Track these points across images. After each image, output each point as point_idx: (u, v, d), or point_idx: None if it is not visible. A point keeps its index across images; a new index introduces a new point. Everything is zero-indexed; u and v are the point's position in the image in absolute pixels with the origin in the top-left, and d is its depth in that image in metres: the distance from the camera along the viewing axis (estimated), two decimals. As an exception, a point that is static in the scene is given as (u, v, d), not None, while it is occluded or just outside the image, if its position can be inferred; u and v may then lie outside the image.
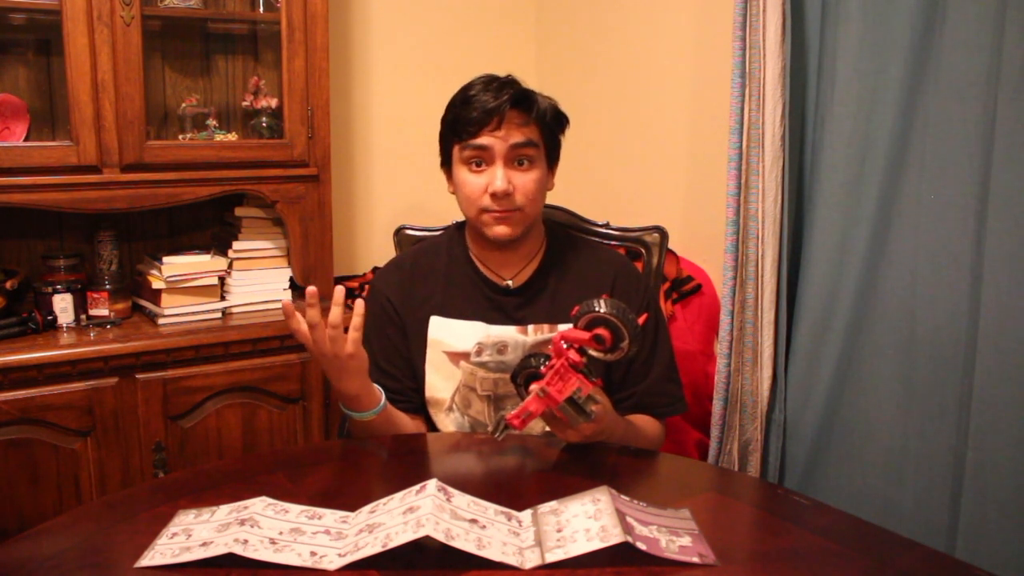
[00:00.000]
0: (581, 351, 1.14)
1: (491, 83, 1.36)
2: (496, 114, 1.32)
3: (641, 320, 1.14)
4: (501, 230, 1.36)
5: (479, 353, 1.38)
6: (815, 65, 1.73)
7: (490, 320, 1.40)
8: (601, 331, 1.12)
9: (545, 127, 1.38)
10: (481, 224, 1.38)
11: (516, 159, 1.34)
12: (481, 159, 1.34)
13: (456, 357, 1.39)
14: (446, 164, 1.43)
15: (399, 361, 1.42)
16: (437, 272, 1.45)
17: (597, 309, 1.12)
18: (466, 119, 1.34)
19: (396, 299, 1.43)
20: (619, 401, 1.38)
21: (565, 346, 1.13)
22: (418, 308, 1.42)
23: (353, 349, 1.21)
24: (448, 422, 1.41)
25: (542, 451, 1.24)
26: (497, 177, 1.33)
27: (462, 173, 1.37)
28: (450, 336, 1.39)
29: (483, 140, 1.33)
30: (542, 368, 1.18)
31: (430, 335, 1.40)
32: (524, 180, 1.35)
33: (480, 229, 1.39)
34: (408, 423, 1.39)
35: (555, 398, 1.11)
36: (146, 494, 1.18)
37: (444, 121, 1.40)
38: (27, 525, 1.59)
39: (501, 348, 1.38)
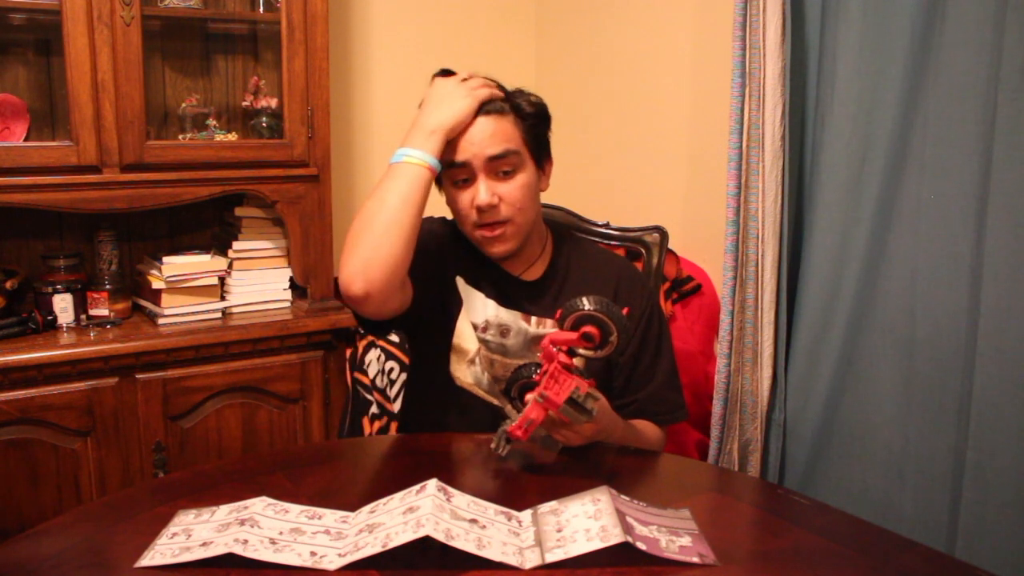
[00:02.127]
0: (571, 352, 1.14)
1: None
2: (471, 128, 1.31)
3: (623, 312, 1.14)
4: (496, 249, 1.36)
5: (484, 330, 1.39)
6: (815, 65, 1.73)
7: (500, 301, 1.40)
8: (588, 329, 1.12)
9: (526, 128, 1.35)
10: (477, 243, 1.38)
11: (498, 170, 1.32)
12: (466, 176, 1.33)
13: (473, 326, 1.41)
14: (439, 183, 1.40)
15: (418, 273, 1.35)
16: (462, 244, 1.44)
17: (582, 307, 1.12)
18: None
19: (433, 244, 1.41)
20: (620, 408, 1.38)
21: (555, 349, 1.13)
22: (450, 261, 1.42)
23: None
24: (469, 374, 1.40)
25: (542, 451, 1.24)
26: (480, 191, 1.31)
27: (450, 191, 1.37)
28: (467, 303, 1.40)
29: (460, 155, 1.31)
30: (535, 376, 1.17)
31: (461, 293, 1.41)
32: (508, 189, 1.33)
33: (480, 249, 1.39)
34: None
35: (555, 401, 1.10)
36: (146, 494, 1.18)
37: None
38: (27, 525, 1.60)
39: (504, 331, 1.39)
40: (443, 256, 1.42)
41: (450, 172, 1.34)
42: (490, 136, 1.31)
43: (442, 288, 1.41)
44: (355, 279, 1.25)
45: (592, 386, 1.14)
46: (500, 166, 1.32)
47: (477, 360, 1.40)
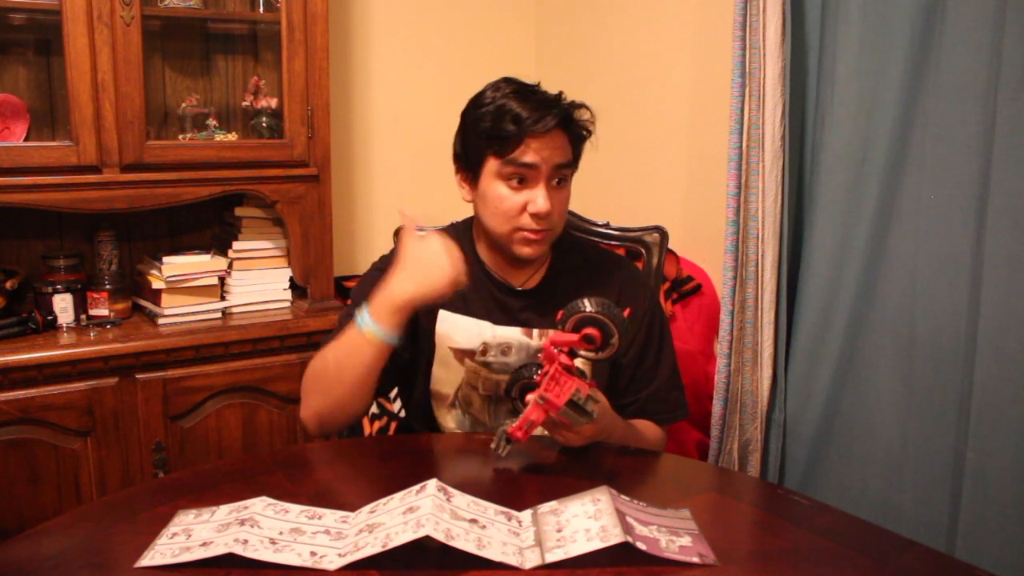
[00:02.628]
0: (572, 354, 1.14)
1: (531, 96, 1.32)
2: (546, 134, 1.29)
3: (624, 313, 1.14)
4: (530, 251, 1.34)
5: (484, 353, 1.37)
6: (815, 65, 1.73)
7: (495, 320, 1.39)
8: (590, 331, 1.12)
9: (577, 148, 1.36)
10: (510, 241, 1.34)
11: (556, 179, 1.32)
12: (524, 176, 1.30)
13: (461, 354, 1.38)
14: (469, 171, 1.37)
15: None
16: None
17: (584, 309, 1.11)
18: (509, 134, 1.28)
19: None
20: (621, 407, 1.38)
21: (556, 351, 1.13)
22: None
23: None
24: (449, 418, 1.41)
25: (542, 451, 1.24)
26: (540, 196, 1.29)
27: (497, 188, 1.32)
28: (456, 332, 1.38)
29: (530, 159, 1.29)
30: (536, 377, 1.17)
31: (438, 329, 1.39)
32: (559, 200, 1.33)
33: (507, 246, 1.35)
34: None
35: (555, 403, 1.10)
36: (146, 494, 1.18)
37: (476, 129, 1.33)
38: (27, 525, 1.60)
39: (505, 349, 1.37)
40: None
41: (507, 170, 1.30)
42: (560, 147, 1.32)
43: (416, 339, 1.38)
44: (310, 424, 1.30)
45: (593, 387, 1.14)
46: (558, 175, 1.32)
47: (456, 402, 1.40)
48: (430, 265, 1.20)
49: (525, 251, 1.34)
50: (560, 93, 1.35)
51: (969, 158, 1.46)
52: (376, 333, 1.20)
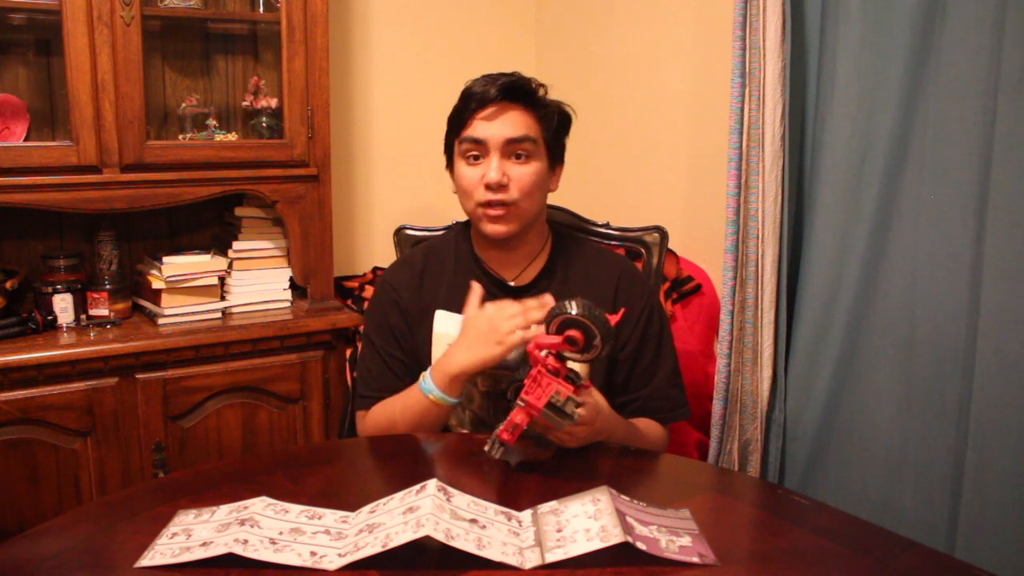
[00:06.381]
0: (559, 356, 1.14)
1: (490, 75, 1.38)
2: (490, 103, 1.34)
3: (615, 319, 1.14)
4: (495, 228, 1.36)
5: None
6: (815, 65, 1.73)
7: None
8: (572, 333, 1.13)
9: (546, 125, 1.38)
10: (477, 220, 1.38)
11: (513, 153, 1.35)
12: (478, 152, 1.36)
13: None
14: (449, 160, 1.44)
15: (406, 351, 1.42)
16: (445, 269, 1.45)
17: (566, 311, 1.12)
18: (462, 111, 1.37)
19: (405, 295, 1.43)
20: (622, 405, 1.38)
21: (543, 353, 1.14)
22: (425, 304, 1.42)
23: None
24: (451, 416, 1.40)
25: (541, 451, 1.23)
26: (491, 168, 1.33)
27: (460, 167, 1.38)
28: (454, 330, 1.38)
29: (479, 132, 1.35)
30: (526, 379, 1.18)
31: (435, 329, 1.39)
32: (520, 173, 1.35)
33: (477, 226, 1.39)
34: None
35: (535, 405, 1.11)
36: (146, 494, 1.17)
37: (448, 120, 1.42)
38: (27, 525, 1.60)
39: None
40: (415, 301, 1.43)
41: (464, 146, 1.36)
42: (512, 123, 1.35)
43: (416, 342, 1.42)
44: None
45: (587, 389, 1.14)
46: (516, 149, 1.35)
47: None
48: (483, 339, 1.26)
49: (490, 228, 1.37)
50: (517, 73, 1.40)
51: (969, 158, 1.46)
52: (441, 398, 1.30)
